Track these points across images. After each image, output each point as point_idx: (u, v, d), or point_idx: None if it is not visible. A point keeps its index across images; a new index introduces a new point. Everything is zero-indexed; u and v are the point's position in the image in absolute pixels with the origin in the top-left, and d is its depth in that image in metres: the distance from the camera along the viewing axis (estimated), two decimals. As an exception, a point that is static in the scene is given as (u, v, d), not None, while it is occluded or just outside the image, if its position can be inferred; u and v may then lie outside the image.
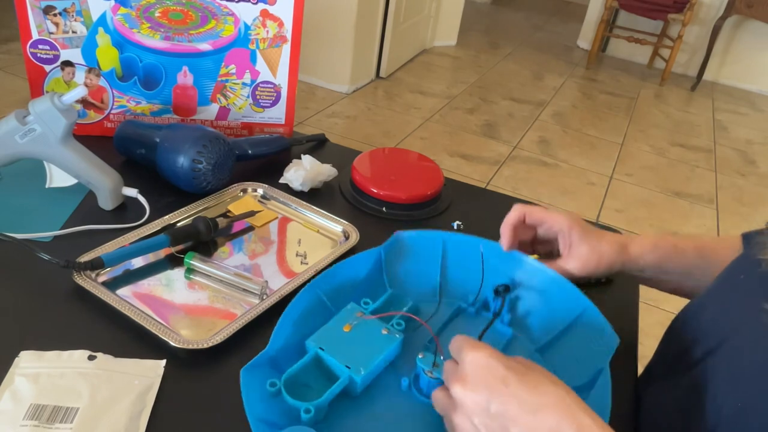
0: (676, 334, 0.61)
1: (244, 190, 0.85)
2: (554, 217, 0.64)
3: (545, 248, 0.70)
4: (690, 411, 0.52)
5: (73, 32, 0.85)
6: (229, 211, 0.81)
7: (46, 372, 0.54)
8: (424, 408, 0.54)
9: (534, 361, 0.48)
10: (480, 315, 0.64)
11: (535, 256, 0.67)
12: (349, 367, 0.53)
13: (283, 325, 0.55)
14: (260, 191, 0.86)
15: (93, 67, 0.88)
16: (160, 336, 0.59)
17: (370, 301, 0.60)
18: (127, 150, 0.87)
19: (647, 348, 0.68)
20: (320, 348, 0.55)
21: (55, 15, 0.83)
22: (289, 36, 0.91)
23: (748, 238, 0.63)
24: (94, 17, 0.84)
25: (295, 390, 0.50)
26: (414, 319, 0.61)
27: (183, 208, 0.78)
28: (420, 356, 0.55)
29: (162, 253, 0.71)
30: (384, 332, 0.57)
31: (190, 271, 0.70)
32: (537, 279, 0.64)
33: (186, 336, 0.60)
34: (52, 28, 0.84)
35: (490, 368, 0.45)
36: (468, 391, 0.45)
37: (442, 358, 0.54)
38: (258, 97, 0.95)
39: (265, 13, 0.89)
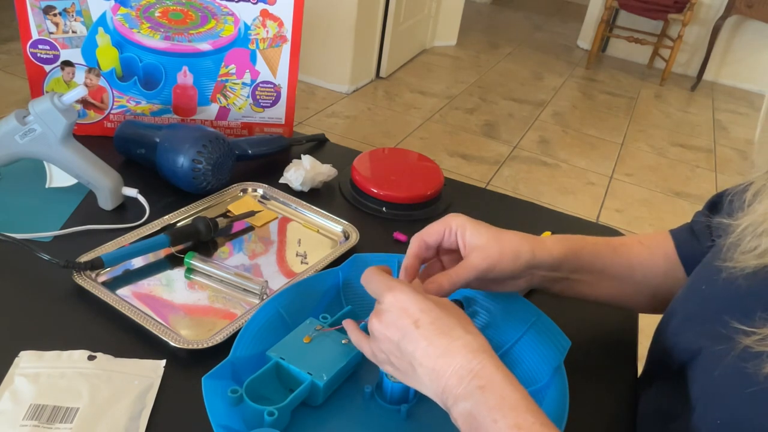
0: (656, 342, 0.60)
1: (244, 190, 0.85)
2: (447, 222, 0.60)
3: (451, 257, 0.64)
4: (676, 422, 0.51)
5: (73, 32, 0.85)
6: (229, 211, 0.81)
7: (46, 372, 0.54)
8: (388, 414, 0.55)
9: None
10: None
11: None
12: (311, 374, 0.53)
13: (243, 338, 0.55)
14: (260, 191, 0.85)
15: (93, 67, 0.88)
16: (160, 336, 0.59)
17: (328, 316, 0.60)
18: (127, 150, 0.86)
19: (647, 349, 0.68)
20: (281, 358, 0.54)
21: (55, 15, 0.83)
22: (289, 36, 0.91)
23: (691, 227, 0.63)
24: (94, 17, 0.84)
25: (256, 402, 0.50)
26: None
27: (183, 208, 0.78)
28: None
29: (162, 253, 0.71)
30: (344, 342, 0.57)
31: (190, 271, 0.70)
32: (491, 295, 0.65)
33: (186, 336, 0.60)
34: (52, 28, 0.84)
35: (405, 309, 0.47)
36: (383, 327, 0.48)
37: None
38: (258, 97, 0.95)
39: (265, 13, 0.89)
